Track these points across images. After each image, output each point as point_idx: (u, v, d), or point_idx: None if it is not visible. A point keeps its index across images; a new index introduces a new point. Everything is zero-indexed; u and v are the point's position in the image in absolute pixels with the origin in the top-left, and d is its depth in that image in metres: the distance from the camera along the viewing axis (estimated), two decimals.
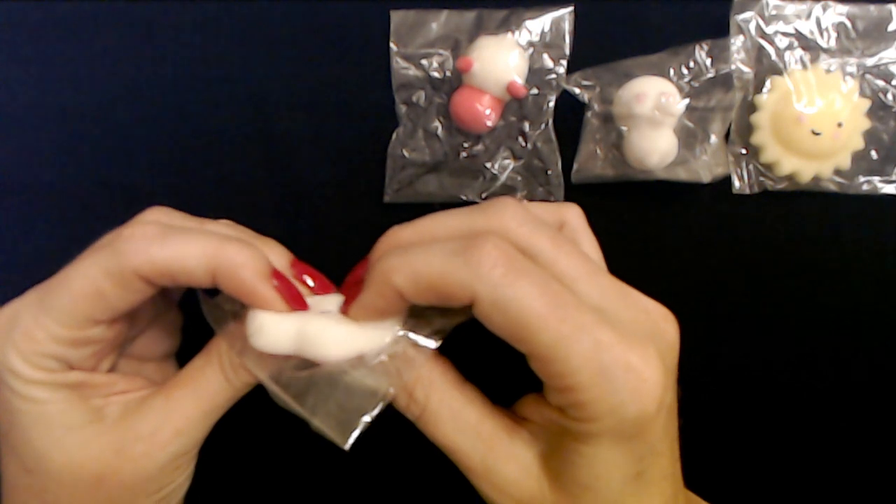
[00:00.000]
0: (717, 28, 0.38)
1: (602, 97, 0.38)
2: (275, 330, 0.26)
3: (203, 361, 0.28)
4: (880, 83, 0.39)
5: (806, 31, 0.38)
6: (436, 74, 0.38)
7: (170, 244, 0.25)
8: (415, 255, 0.24)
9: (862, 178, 0.39)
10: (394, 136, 0.38)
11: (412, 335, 0.27)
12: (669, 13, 0.39)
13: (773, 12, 0.38)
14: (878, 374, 0.39)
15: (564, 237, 0.26)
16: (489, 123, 0.37)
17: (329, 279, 0.29)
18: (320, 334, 0.26)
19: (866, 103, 0.38)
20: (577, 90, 0.38)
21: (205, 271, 0.25)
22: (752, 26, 0.38)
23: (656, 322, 0.26)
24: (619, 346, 0.23)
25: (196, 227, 0.29)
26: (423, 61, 0.38)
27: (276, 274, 0.26)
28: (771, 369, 0.39)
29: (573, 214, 0.28)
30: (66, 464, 0.25)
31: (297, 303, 0.26)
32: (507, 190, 0.38)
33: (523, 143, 0.38)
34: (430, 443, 0.27)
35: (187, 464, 0.28)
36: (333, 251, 0.37)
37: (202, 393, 0.27)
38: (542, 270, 0.23)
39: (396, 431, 0.38)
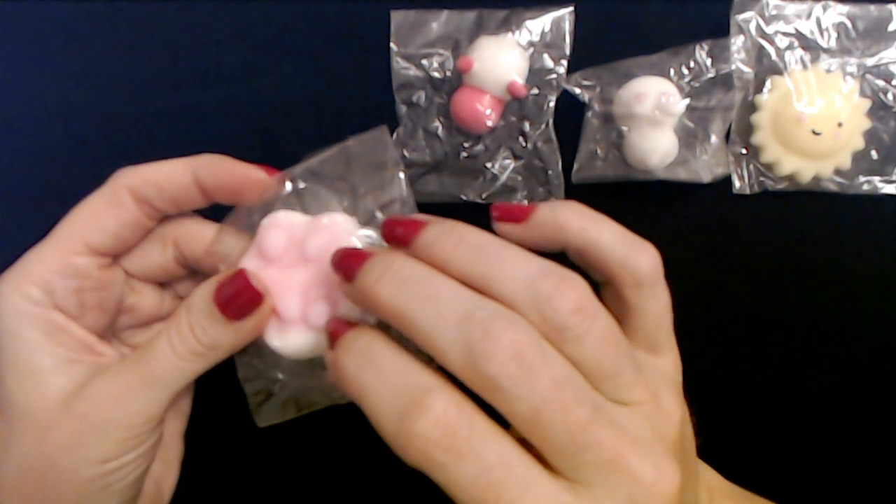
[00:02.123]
0: (717, 28, 0.38)
1: (602, 97, 0.38)
2: (287, 218, 0.27)
3: (157, 331, 0.27)
4: (880, 83, 0.39)
5: (806, 31, 0.38)
6: (436, 74, 0.38)
7: (154, 163, 0.28)
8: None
9: (862, 178, 0.39)
10: (394, 136, 0.38)
11: None
12: (669, 13, 0.39)
13: (774, 12, 0.38)
14: (878, 373, 0.39)
15: None
16: (489, 123, 0.37)
17: None
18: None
19: (866, 103, 0.38)
20: (577, 90, 0.38)
21: (186, 174, 0.27)
22: (752, 26, 0.38)
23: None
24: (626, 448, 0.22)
25: None
26: (424, 61, 0.38)
27: (247, 162, 0.28)
28: (771, 369, 0.39)
29: None
30: (24, 409, 0.25)
31: (274, 172, 0.28)
32: (508, 190, 0.38)
33: (524, 143, 0.38)
34: None
35: (138, 441, 0.26)
36: None
37: (145, 361, 0.26)
38: None
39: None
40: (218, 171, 0.27)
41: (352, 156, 0.27)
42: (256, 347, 0.28)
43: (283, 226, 0.27)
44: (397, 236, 0.24)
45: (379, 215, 0.28)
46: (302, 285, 0.26)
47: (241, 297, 0.25)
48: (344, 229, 0.26)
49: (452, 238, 0.23)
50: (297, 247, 0.26)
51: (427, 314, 0.21)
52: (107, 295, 0.28)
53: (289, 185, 0.28)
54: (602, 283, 0.27)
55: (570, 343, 0.21)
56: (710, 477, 0.30)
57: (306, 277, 0.26)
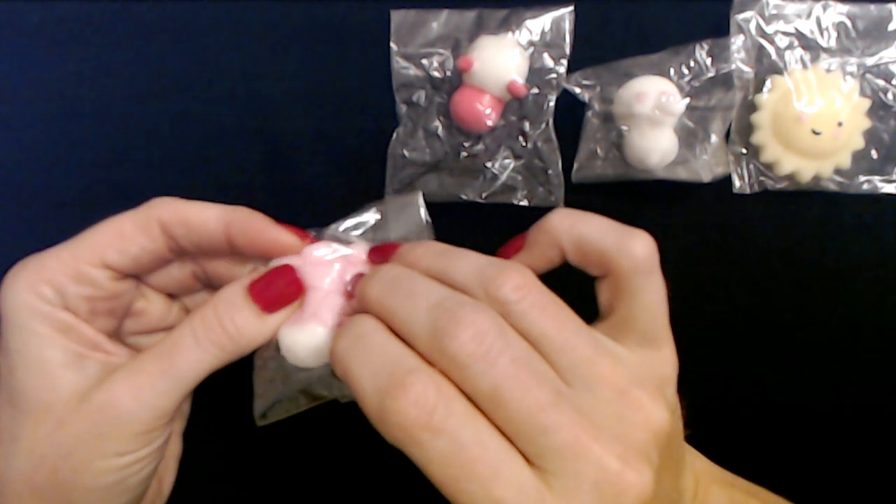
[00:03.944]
0: (717, 28, 0.38)
1: (602, 97, 0.38)
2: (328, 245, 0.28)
3: (179, 325, 0.27)
4: (880, 82, 0.39)
5: (806, 31, 0.38)
6: (436, 74, 0.38)
7: (190, 202, 0.28)
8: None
9: (862, 178, 0.39)
10: (394, 135, 0.38)
11: None
12: (669, 13, 0.39)
13: (774, 12, 0.38)
14: (878, 373, 0.39)
15: None
16: (489, 123, 0.37)
17: None
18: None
19: (866, 103, 0.38)
20: (577, 90, 0.38)
21: (219, 223, 0.27)
22: (752, 26, 0.38)
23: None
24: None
25: None
26: (424, 61, 0.38)
27: (281, 223, 0.28)
28: (770, 368, 0.39)
29: None
30: (35, 401, 0.25)
31: (307, 237, 0.28)
32: (508, 189, 0.38)
33: (524, 143, 0.38)
34: None
35: (153, 436, 0.26)
36: None
37: (167, 353, 0.26)
38: None
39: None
40: (250, 230, 0.27)
41: (388, 215, 0.31)
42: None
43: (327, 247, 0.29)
44: (382, 256, 0.27)
45: None
46: (325, 291, 0.27)
47: (285, 288, 0.27)
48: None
49: (420, 248, 0.26)
50: (332, 262, 0.28)
51: (404, 304, 0.23)
52: (117, 303, 0.28)
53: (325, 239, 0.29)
54: (599, 278, 0.27)
55: (515, 316, 0.23)
56: (697, 462, 0.30)
57: (330, 289, 0.27)
